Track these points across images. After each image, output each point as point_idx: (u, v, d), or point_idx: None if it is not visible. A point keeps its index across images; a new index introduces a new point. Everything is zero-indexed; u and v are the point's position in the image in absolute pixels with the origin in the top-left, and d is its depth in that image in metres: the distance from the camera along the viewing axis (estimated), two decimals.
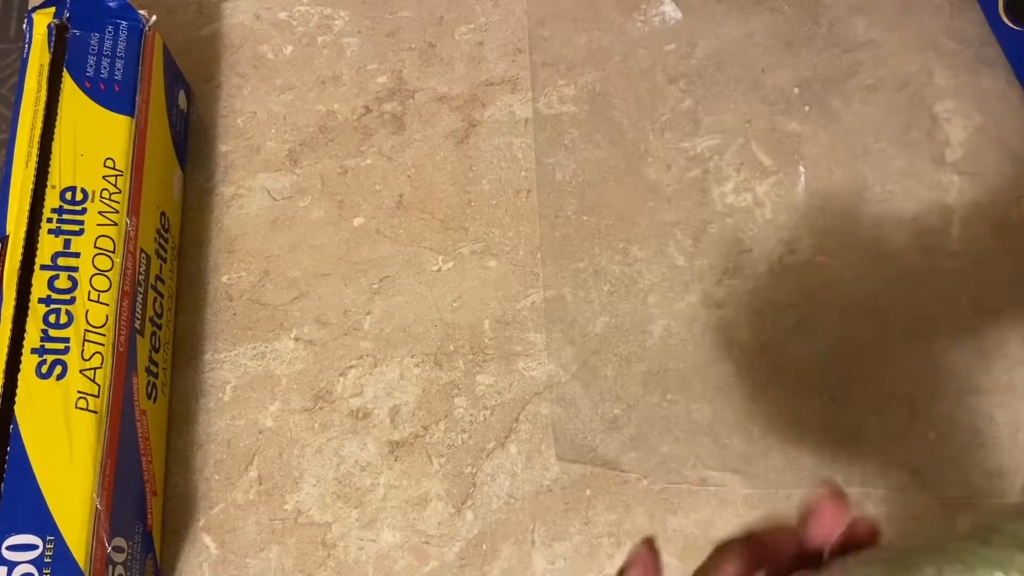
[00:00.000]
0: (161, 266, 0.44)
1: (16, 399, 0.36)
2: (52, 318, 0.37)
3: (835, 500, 0.24)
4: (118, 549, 0.36)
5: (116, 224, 0.40)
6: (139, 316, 0.40)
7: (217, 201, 0.48)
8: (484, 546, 0.40)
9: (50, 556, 0.34)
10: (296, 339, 0.45)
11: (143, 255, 0.42)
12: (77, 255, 0.39)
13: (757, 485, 0.41)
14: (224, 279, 0.46)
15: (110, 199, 0.40)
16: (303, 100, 0.51)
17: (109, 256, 0.39)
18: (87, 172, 0.40)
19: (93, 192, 0.40)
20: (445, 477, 0.41)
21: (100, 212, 0.40)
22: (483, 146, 0.48)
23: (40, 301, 0.37)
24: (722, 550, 0.24)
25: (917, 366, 0.42)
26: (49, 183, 0.40)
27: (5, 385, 0.36)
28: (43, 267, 0.38)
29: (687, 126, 0.48)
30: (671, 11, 0.51)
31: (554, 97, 0.49)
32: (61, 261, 0.38)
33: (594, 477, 0.41)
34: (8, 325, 0.37)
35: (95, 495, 0.35)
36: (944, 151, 0.47)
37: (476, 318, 0.44)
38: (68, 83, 0.42)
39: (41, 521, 0.34)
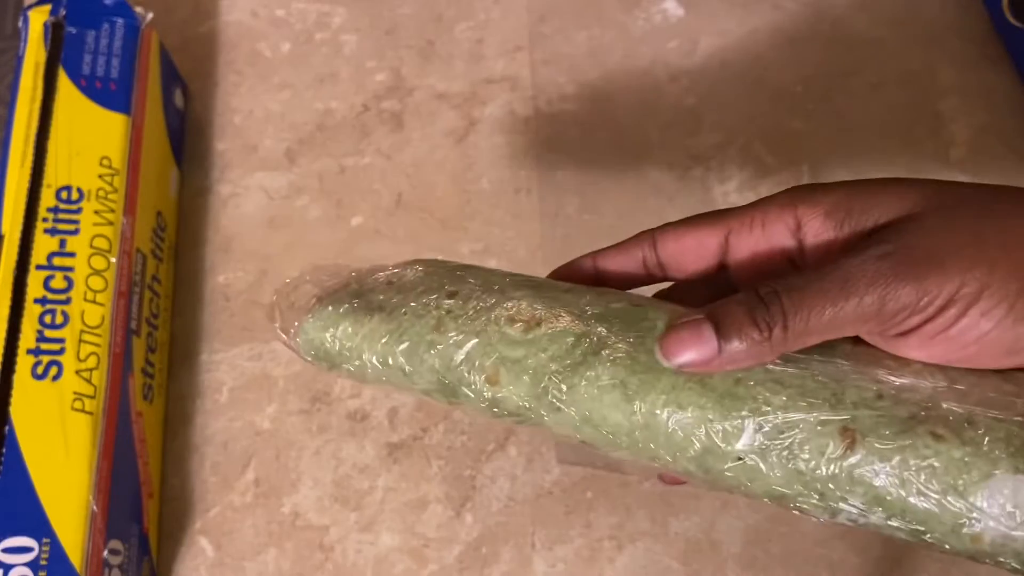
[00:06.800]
0: (157, 266, 0.43)
1: (12, 400, 0.35)
2: (48, 318, 0.37)
3: None
4: (114, 552, 0.36)
5: (112, 224, 0.39)
6: (135, 317, 0.40)
7: (214, 200, 0.48)
8: (484, 549, 0.40)
9: (46, 558, 0.34)
10: None
11: (139, 255, 0.41)
12: (73, 255, 0.38)
13: None
14: (221, 279, 0.46)
15: (106, 198, 0.40)
16: (300, 98, 0.50)
17: (105, 256, 0.39)
18: (83, 171, 0.40)
19: (89, 191, 0.40)
20: (444, 480, 0.41)
21: (96, 211, 0.39)
22: (483, 144, 0.48)
23: (36, 301, 0.37)
24: None
25: None
26: (45, 182, 0.39)
27: (0, 386, 0.36)
28: (38, 267, 0.38)
29: (689, 124, 0.48)
30: (673, 8, 0.51)
31: (555, 95, 0.49)
32: (57, 261, 0.38)
33: (595, 479, 0.41)
34: (3, 326, 0.36)
35: (91, 497, 0.35)
36: (949, 149, 0.46)
37: None
38: (64, 81, 0.42)
39: (37, 523, 0.34)
